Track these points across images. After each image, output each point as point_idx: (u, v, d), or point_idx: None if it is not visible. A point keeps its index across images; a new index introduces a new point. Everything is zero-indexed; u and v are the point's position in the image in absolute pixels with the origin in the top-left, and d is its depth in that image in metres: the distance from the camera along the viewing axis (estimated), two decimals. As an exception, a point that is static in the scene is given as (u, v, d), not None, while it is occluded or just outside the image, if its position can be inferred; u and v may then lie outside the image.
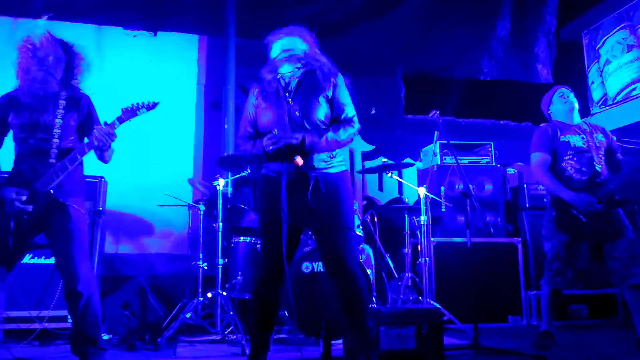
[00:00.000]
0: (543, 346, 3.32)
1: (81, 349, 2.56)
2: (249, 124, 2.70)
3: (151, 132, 5.03)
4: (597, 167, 3.40)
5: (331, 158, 2.57)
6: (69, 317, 3.74)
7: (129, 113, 2.62)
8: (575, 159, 3.42)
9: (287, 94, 2.59)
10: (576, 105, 3.59)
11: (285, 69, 2.60)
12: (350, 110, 2.65)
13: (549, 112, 3.69)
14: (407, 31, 5.74)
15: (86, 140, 2.66)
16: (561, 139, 3.46)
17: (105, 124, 2.60)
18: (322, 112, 2.57)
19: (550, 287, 3.43)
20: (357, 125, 2.64)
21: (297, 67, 2.59)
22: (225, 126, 5.26)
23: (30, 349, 3.40)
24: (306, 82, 2.59)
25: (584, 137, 3.48)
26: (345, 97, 2.65)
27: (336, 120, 2.62)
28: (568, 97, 3.59)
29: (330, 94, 2.60)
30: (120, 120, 2.60)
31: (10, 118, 2.65)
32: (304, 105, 2.55)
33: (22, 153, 2.63)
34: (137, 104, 2.64)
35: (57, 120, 2.62)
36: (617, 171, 3.46)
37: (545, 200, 3.60)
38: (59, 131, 2.61)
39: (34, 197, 2.52)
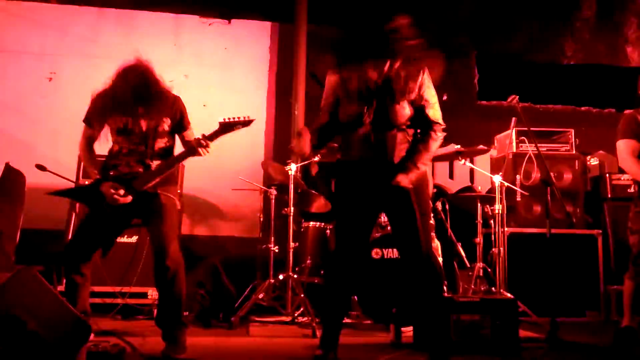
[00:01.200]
0: (624, 342, 3.16)
1: (165, 321, 2.69)
2: (327, 110, 2.70)
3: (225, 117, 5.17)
4: None
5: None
6: (148, 293, 3.97)
7: (227, 128, 2.71)
8: None
9: (371, 94, 2.56)
10: None
11: (372, 70, 2.55)
12: (436, 112, 2.60)
13: None
14: (482, 13, 5.55)
15: (183, 147, 2.82)
16: None
17: (204, 136, 2.70)
18: (404, 114, 2.54)
19: (634, 282, 3.25)
20: (442, 131, 2.60)
21: (383, 69, 2.53)
22: (295, 112, 5.31)
23: (114, 323, 3.60)
24: (390, 84, 2.54)
25: None
26: (431, 97, 2.59)
27: (420, 119, 2.58)
28: None
29: (415, 95, 2.55)
30: (217, 134, 2.71)
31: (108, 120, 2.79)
32: (385, 108, 2.53)
33: (119, 152, 2.78)
34: (234, 119, 2.72)
35: (151, 123, 2.75)
36: None
37: (631, 190, 3.37)
38: (154, 134, 2.75)
39: (129, 193, 2.67)
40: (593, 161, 5.05)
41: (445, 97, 5.25)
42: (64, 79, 5.16)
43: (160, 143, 2.79)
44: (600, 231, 4.54)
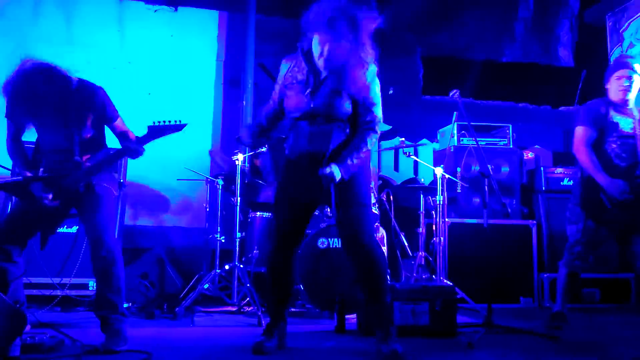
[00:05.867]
0: (555, 327, 3.35)
1: (103, 313, 2.64)
2: (276, 100, 2.74)
3: (170, 107, 5.09)
4: (638, 157, 3.29)
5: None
6: (89, 284, 3.87)
7: (156, 133, 2.65)
8: (618, 142, 3.30)
9: (314, 85, 2.59)
10: (636, 87, 3.37)
11: (319, 60, 2.55)
12: (377, 110, 2.61)
13: (607, 87, 3.44)
14: (427, 11, 5.69)
15: (118, 139, 2.77)
16: (612, 119, 3.32)
17: (137, 139, 2.65)
18: (344, 107, 2.56)
19: (568, 270, 3.43)
20: (379, 130, 2.62)
21: (327, 60, 2.52)
22: (244, 102, 5.29)
23: (52, 314, 3.50)
24: (334, 76, 2.55)
25: (635, 122, 3.33)
26: (375, 97, 2.61)
27: (360, 116, 2.60)
28: (630, 77, 3.35)
29: (355, 89, 2.56)
30: (146, 139, 2.65)
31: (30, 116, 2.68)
32: (327, 99, 2.55)
33: (45, 148, 2.70)
34: (164, 123, 2.64)
35: (73, 118, 2.66)
36: None
37: (569, 181, 3.49)
38: (78, 129, 2.66)
39: (60, 193, 2.59)
40: (529, 155, 5.30)
41: (391, 92, 5.36)
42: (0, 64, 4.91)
43: (87, 136, 2.70)
44: (535, 222, 4.75)
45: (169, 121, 2.66)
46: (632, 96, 3.38)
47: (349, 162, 2.52)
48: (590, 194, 3.29)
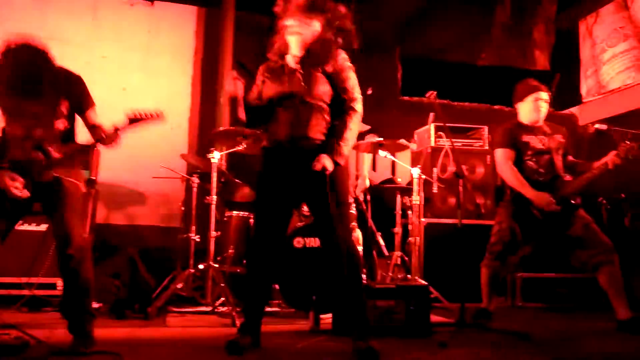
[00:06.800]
0: (479, 322, 3.40)
1: (71, 313, 2.58)
2: (255, 95, 2.74)
3: (146, 103, 4.99)
4: (556, 169, 3.47)
5: (327, 129, 2.62)
6: (57, 284, 3.77)
7: (134, 122, 2.60)
8: (534, 159, 3.48)
9: (291, 70, 2.62)
10: (545, 110, 3.58)
11: (293, 48, 2.61)
12: (356, 91, 2.65)
13: (515, 106, 3.66)
14: (406, 12, 5.71)
15: (88, 130, 2.68)
16: (521, 140, 3.51)
17: (115, 128, 2.58)
18: (324, 93, 2.59)
19: (489, 269, 3.57)
20: (360, 108, 2.65)
21: (303, 45, 2.59)
22: (221, 100, 5.23)
23: (19, 315, 3.40)
24: (310, 60, 2.59)
25: (544, 138, 3.52)
26: (351, 79, 2.64)
27: (340, 98, 2.63)
28: (543, 105, 3.56)
29: (332, 72, 2.60)
30: (124, 128, 2.59)
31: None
32: (306, 82, 2.57)
33: (13, 136, 2.59)
34: (143, 114, 2.60)
35: (48, 106, 2.57)
36: (575, 174, 3.52)
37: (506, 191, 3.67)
38: (51, 118, 2.58)
39: (29, 184, 2.51)
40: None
41: (369, 91, 5.37)
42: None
43: (59, 126, 2.61)
44: (508, 222, 4.83)
45: (148, 112, 2.61)
46: (540, 117, 3.57)
47: (340, 146, 2.55)
48: (522, 209, 3.42)
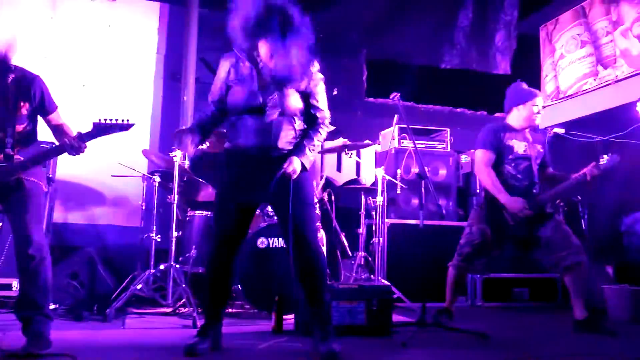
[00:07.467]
0: (440, 322, 3.41)
1: (26, 315, 2.50)
2: (216, 97, 2.68)
3: (106, 100, 4.89)
4: (534, 177, 3.52)
5: (295, 139, 2.62)
6: (13, 285, 3.65)
7: (101, 130, 2.55)
8: (513, 164, 3.50)
9: (261, 79, 2.57)
10: (540, 118, 3.59)
11: (263, 52, 2.55)
12: (325, 113, 2.67)
13: (510, 108, 3.62)
14: (372, 14, 5.76)
15: (52, 132, 2.63)
16: (506, 143, 3.52)
17: (78, 135, 2.52)
18: (294, 102, 2.57)
19: (456, 270, 3.61)
20: (329, 127, 2.69)
21: (272, 54, 2.52)
22: (185, 98, 5.16)
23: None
24: (280, 70, 2.53)
25: (527, 145, 3.55)
26: (322, 100, 2.66)
27: (310, 112, 2.64)
28: (540, 112, 3.57)
29: (304, 85, 2.59)
30: (91, 136, 2.54)
31: None
32: (276, 94, 2.54)
33: None
34: (111, 121, 2.55)
35: (8, 108, 2.50)
36: (550, 183, 3.59)
37: (481, 194, 3.72)
38: (12, 120, 2.50)
39: None
40: (465, 159, 5.47)
41: (335, 92, 5.39)
42: None
43: (19, 128, 2.54)
44: (470, 223, 4.92)
45: (116, 119, 2.56)
46: (538, 123, 3.61)
47: (307, 151, 2.56)
48: (494, 213, 3.47)
